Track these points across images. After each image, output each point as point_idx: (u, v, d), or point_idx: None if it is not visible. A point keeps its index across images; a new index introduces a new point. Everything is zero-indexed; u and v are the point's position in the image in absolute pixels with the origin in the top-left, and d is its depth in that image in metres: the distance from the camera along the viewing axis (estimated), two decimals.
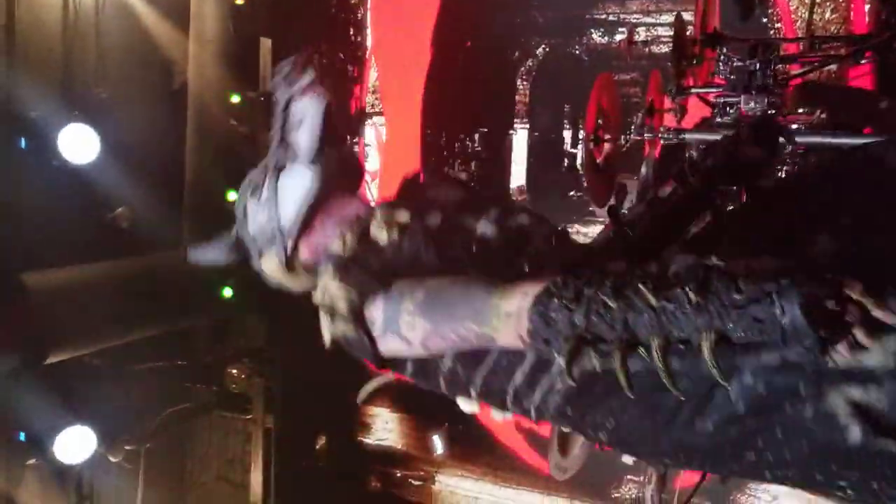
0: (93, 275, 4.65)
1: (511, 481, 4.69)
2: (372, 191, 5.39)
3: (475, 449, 4.78)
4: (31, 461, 4.57)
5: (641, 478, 3.39)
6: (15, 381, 4.18)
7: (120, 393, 4.88)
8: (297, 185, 1.56)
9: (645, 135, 3.36)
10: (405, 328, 1.35)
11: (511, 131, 4.93)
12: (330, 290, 1.43)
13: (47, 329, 4.21)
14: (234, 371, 5.18)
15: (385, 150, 5.46)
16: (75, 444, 4.43)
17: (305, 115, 1.54)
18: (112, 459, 4.81)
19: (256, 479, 5.31)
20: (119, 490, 5.04)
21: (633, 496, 4.40)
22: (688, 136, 3.22)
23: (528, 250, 1.43)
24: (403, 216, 1.49)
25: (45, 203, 4.51)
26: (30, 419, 4.37)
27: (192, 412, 5.32)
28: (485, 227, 1.47)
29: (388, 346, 1.38)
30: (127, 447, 4.89)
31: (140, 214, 4.83)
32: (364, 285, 1.40)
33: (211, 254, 1.71)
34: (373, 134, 5.43)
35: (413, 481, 4.93)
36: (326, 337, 1.43)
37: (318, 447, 5.02)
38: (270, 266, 1.63)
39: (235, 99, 5.09)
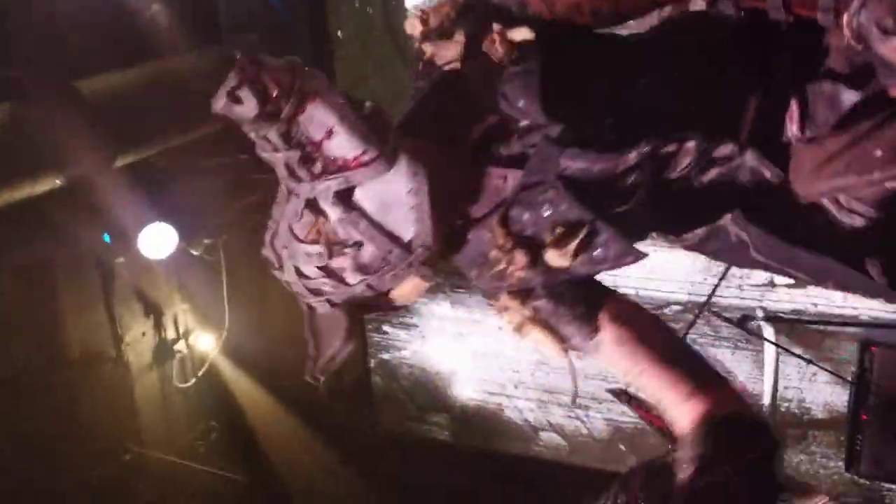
0: (143, 77, 4.66)
1: None
2: None
3: None
4: (120, 259, 4.86)
5: None
6: (89, 185, 4.36)
7: (191, 190, 5.03)
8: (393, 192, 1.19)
9: None
10: None
11: None
12: None
13: (110, 132, 4.30)
14: None
15: None
16: (158, 240, 4.67)
17: (325, 123, 1.16)
18: (194, 253, 5.08)
19: None
20: (206, 280, 5.36)
21: (700, 235, 4.50)
22: None
23: None
24: None
25: (81, 9, 4.44)
26: (110, 221, 4.59)
27: (262, 203, 5.48)
28: None
29: None
30: (206, 241, 5.14)
31: (176, 10, 4.73)
32: None
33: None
34: None
35: None
36: None
37: None
38: None
39: None
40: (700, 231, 1.33)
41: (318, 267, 1.25)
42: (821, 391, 4.65)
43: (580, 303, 1.28)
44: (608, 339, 1.27)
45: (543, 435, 5.35)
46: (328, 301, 1.28)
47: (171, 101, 4.58)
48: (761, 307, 4.50)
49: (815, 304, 4.40)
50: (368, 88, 5.13)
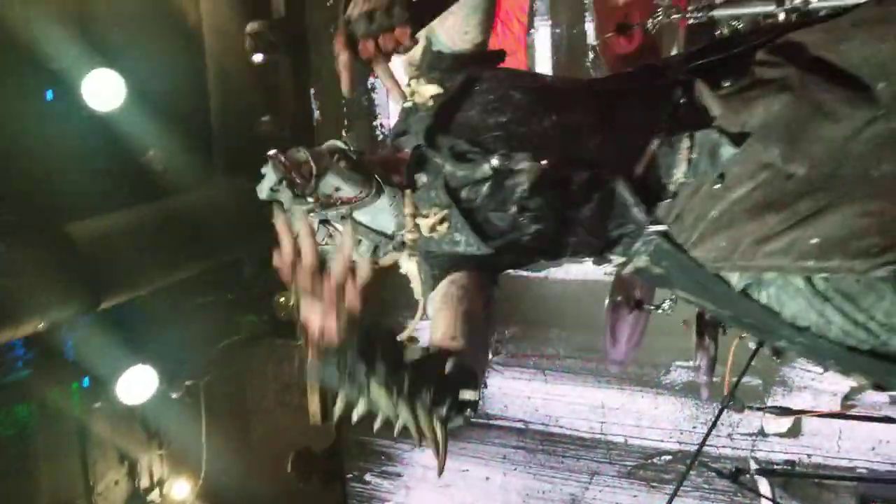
0: (134, 219, 4.72)
1: (562, 378, 4.78)
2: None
3: (522, 349, 4.86)
4: (98, 404, 4.74)
5: (692, 363, 3.43)
6: (73, 329, 4.32)
7: (174, 331, 5.00)
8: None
9: (672, 16, 3.27)
10: None
11: (532, 29, 4.77)
12: None
13: (97, 276, 4.30)
14: (282, 299, 5.28)
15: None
16: (137, 384, 4.58)
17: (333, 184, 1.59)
18: (173, 396, 4.97)
19: (314, 400, 5.47)
20: (184, 424, 5.22)
21: (684, 381, 4.48)
22: (717, 12, 3.14)
23: None
24: None
25: (79, 154, 4.55)
26: (91, 364, 4.52)
27: (245, 343, 5.45)
28: None
29: None
30: (186, 383, 5.05)
31: (171, 155, 4.85)
32: None
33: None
34: None
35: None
36: None
37: None
38: None
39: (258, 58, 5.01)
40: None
41: None
42: None
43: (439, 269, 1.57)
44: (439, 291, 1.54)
45: None
46: None
47: (160, 243, 4.62)
48: (753, 457, 4.39)
49: (809, 455, 4.31)
50: None
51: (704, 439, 3.89)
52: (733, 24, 2.93)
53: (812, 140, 1.26)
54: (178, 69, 5.01)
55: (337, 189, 1.57)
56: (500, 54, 1.73)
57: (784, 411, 3.58)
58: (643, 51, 3.36)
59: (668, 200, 1.44)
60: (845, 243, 1.18)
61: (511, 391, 4.92)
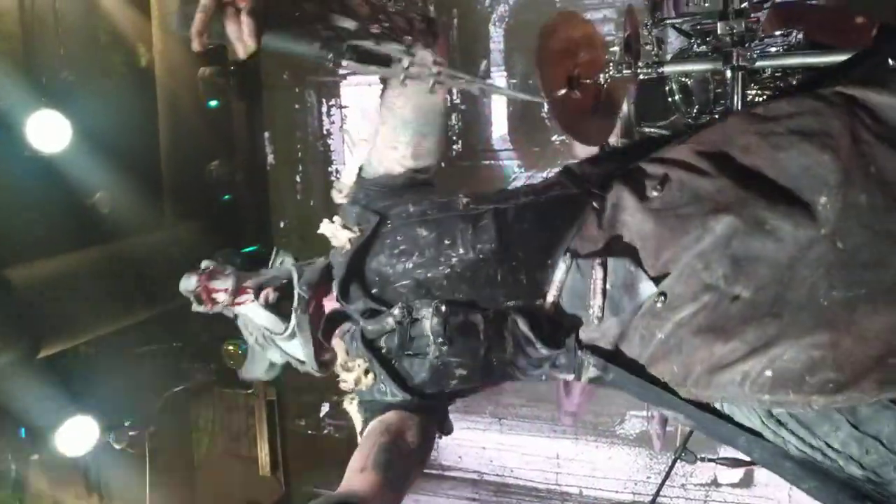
0: (78, 263, 4.59)
1: (516, 429, 4.75)
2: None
3: (477, 400, 4.82)
4: (35, 456, 4.55)
5: (645, 413, 3.42)
6: (9, 377, 4.15)
7: (118, 379, 4.85)
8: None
9: (623, 72, 3.31)
10: None
11: (489, 79, 4.83)
12: None
13: (37, 322, 4.16)
14: (231, 348, 5.16)
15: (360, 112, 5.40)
16: (78, 435, 4.41)
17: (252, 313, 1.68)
18: (116, 447, 4.80)
19: (263, 450, 5.34)
20: (127, 476, 5.03)
21: (638, 431, 4.48)
22: (667, 68, 3.18)
23: None
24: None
25: (22, 196, 4.42)
26: (29, 414, 4.34)
27: (193, 392, 5.31)
28: None
29: None
30: (130, 433, 4.87)
31: (119, 197, 4.75)
32: None
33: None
34: (351, 96, 5.37)
35: None
36: None
37: (322, 415, 5.04)
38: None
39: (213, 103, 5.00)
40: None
41: None
42: None
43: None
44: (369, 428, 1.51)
45: None
46: None
47: (106, 288, 4.49)
48: None
49: None
50: None
51: (658, 490, 3.87)
52: (682, 80, 2.98)
53: (754, 260, 1.21)
54: (130, 111, 4.93)
55: (249, 319, 1.68)
56: (429, 185, 1.69)
57: (736, 462, 3.58)
58: (599, 105, 3.39)
59: (595, 324, 1.36)
60: (800, 378, 1.14)
61: (465, 441, 4.86)
